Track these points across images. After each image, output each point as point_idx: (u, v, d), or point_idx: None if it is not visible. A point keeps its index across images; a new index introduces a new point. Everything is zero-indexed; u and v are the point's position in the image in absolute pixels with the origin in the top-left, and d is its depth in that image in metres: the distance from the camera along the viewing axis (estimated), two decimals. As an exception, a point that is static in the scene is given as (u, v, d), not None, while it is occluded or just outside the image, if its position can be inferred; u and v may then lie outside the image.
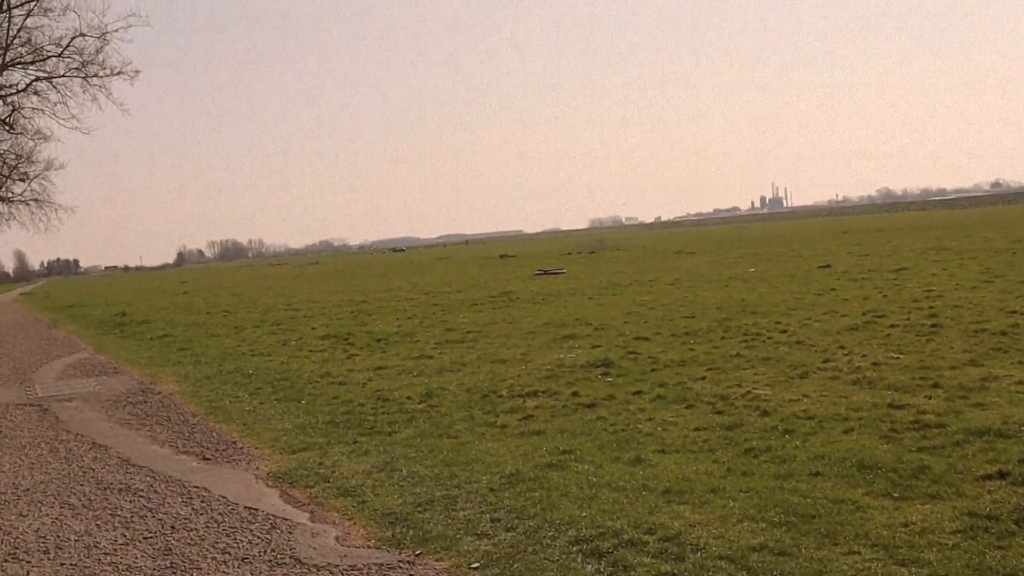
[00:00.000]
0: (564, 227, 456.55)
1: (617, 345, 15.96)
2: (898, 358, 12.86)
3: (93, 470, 9.49)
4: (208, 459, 9.66)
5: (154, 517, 7.65)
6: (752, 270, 33.69)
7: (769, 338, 15.57)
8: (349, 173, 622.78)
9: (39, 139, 47.72)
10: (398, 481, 8.17)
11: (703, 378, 12.36)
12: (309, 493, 8.02)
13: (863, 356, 13.13)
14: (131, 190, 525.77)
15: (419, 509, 7.30)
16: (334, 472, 8.63)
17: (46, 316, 44.05)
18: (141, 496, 8.33)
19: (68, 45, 39.90)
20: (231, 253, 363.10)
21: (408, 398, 12.35)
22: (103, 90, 42.32)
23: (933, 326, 15.46)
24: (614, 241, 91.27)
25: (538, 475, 7.99)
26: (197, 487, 8.49)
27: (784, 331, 16.27)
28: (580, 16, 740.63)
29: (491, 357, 15.62)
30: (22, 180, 58.44)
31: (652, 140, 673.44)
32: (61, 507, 8.21)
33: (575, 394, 11.82)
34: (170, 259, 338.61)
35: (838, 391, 10.95)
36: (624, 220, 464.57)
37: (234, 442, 10.38)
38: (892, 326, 15.91)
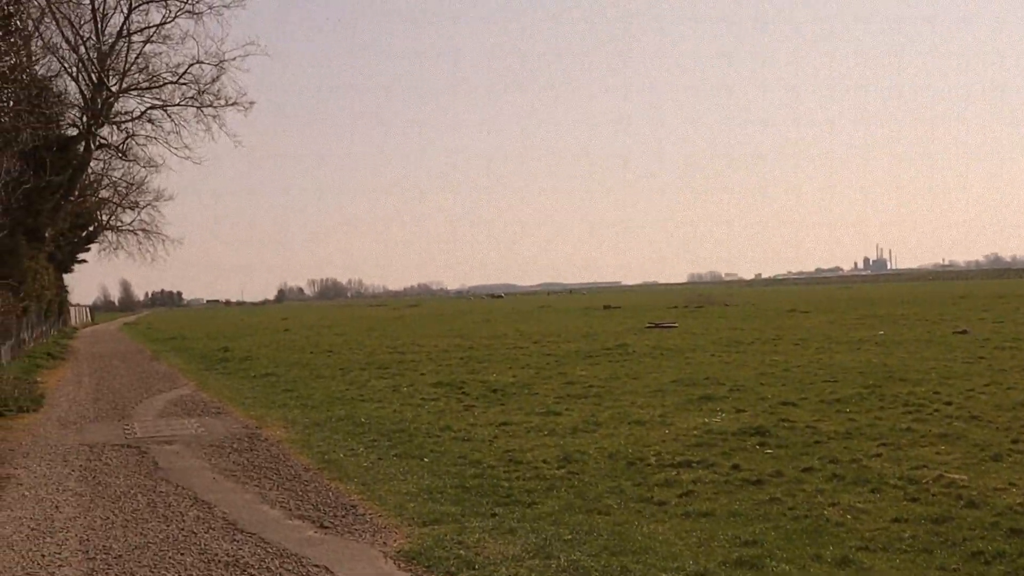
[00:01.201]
0: (662, 280, 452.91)
1: (764, 411, 14.41)
2: (1103, 442, 11.15)
3: (195, 534, 8.21)
4: (326, 527, 8.33)
5: (268, 605, 6.35)
6: (881, 333, 31.70)
7: (936, 411, 13.90)
8: (449, 218, 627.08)
9: (151, 168, 47.60)
10: (557, 573, 6.77)
11: (878, 455, 10.81)
12: (453, 583, 6.65)
13: (1060, 438, 11.43)
14: (234, 224, 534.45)
15: (594, 617, 5.89)
16: (478, 556, 7.24)
17: (148, 347, 43.73)
18: (252, 575, 7.03)
19: (185, 72, 39.57)
20: (331, 292, 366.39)
21: (544, 462, 10.96)
22: (217, 120, 41.97)
23: None
24: (721, 296, 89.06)
25: (732, 577, 6.53)
26: (317, 566, 7.15)
27: (948, 403, 14.59)
28: (678, 72, 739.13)
29: (626, 417, 14.18)
30: (132, 208, 58.83)
31: (752, 196, 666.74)
32: (158, 582, 6.96)
33: (735, 467, 10.33)
34: (270, 295, 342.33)
35: (1050, 480, 9.30)
36: (724, 276, 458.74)
37: (354, 506, 9.06)
38: (1078, 403, 14.12)
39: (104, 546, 7.92)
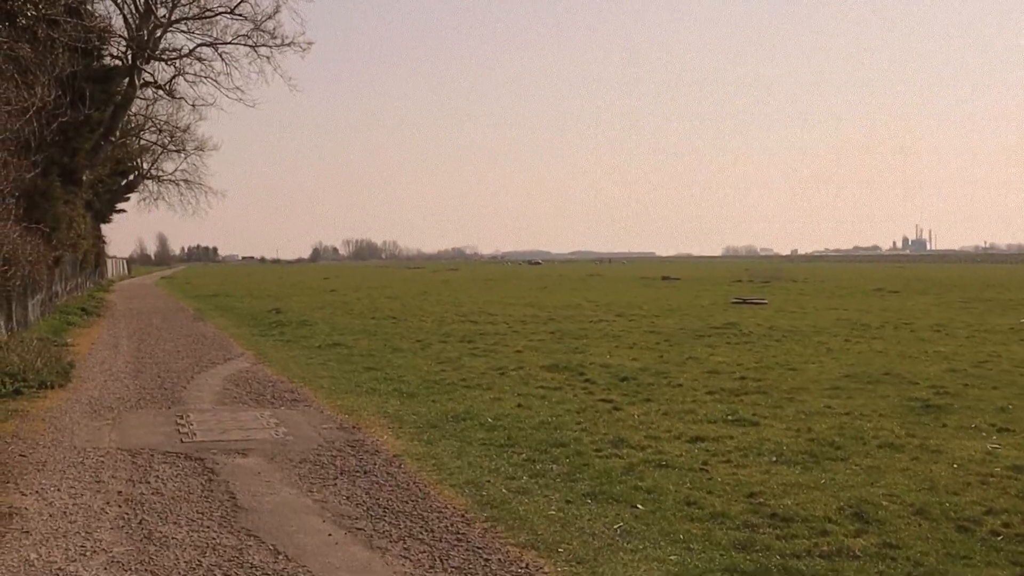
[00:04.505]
0: (696, 252, 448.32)
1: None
2: None
3: None
4: None
5: None
6: (1023, 321, 27.69)
7: None
8: (484, 182, 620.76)
9: (200, 105, 43.70)
10: None
11: None
12: None
13: None
14: (270, 180, 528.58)
15: None
16: None
17: (189, 305, 40.23)
18: None
19: (241, 3, 35.71)
20: (365, 253, 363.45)
21: (829, 521, 7.14)
22: (271, 61, 38.30)
23: None
24: (787, 271, 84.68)
25: None
26: None
27: None
28: (715, 49, 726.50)
29: (865, 436, 10.35)
30: (178, 152, 55.32)
31: (788, 170, 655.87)
32: None
33: None
34: (304, 254, 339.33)
35: None
36: (759, 250, 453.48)
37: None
38: None
39: None
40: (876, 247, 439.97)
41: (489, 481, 8.33)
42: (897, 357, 18.17)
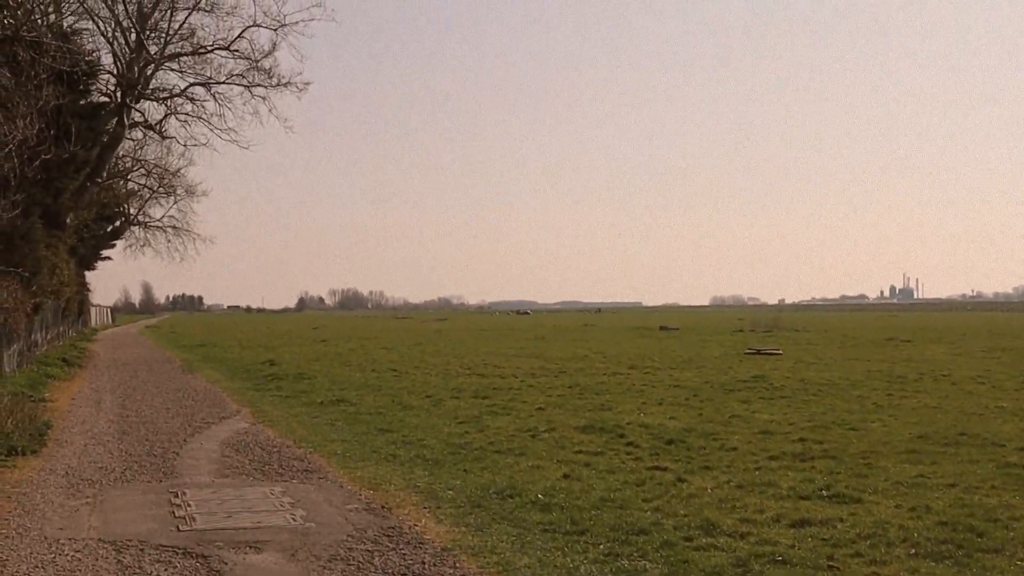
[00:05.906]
0: (683, 302, 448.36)
1: None
2: None
3: None
4: None
5: None
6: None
7: None
8: (470, 233, 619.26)
9: (192, 146, 42.00)
10: None
11: None
12: None
13: None
14: (255, 227, 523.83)
15: None
16: None
17: (177, 356, 38.41)
18: None
19: (239, 36, 34.13)
20: (351, 302, 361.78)
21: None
22: (266, 102, 36.73)
23: None
24: (789, 321, 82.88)
25: None
26: None
27: None
28: (701, 95, 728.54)
29: (992, 514, 8.67)
30: (168, 195, 53.64)
31: (772, 221, 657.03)
32: None
33: None
34: (290, 303, 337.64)
35: None
36: (747, 300, 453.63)
37: None
38: None
39: None
40: (863, 296, 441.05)
41: (572, 592, 6.55)
42: (959, 414, 16.64)
